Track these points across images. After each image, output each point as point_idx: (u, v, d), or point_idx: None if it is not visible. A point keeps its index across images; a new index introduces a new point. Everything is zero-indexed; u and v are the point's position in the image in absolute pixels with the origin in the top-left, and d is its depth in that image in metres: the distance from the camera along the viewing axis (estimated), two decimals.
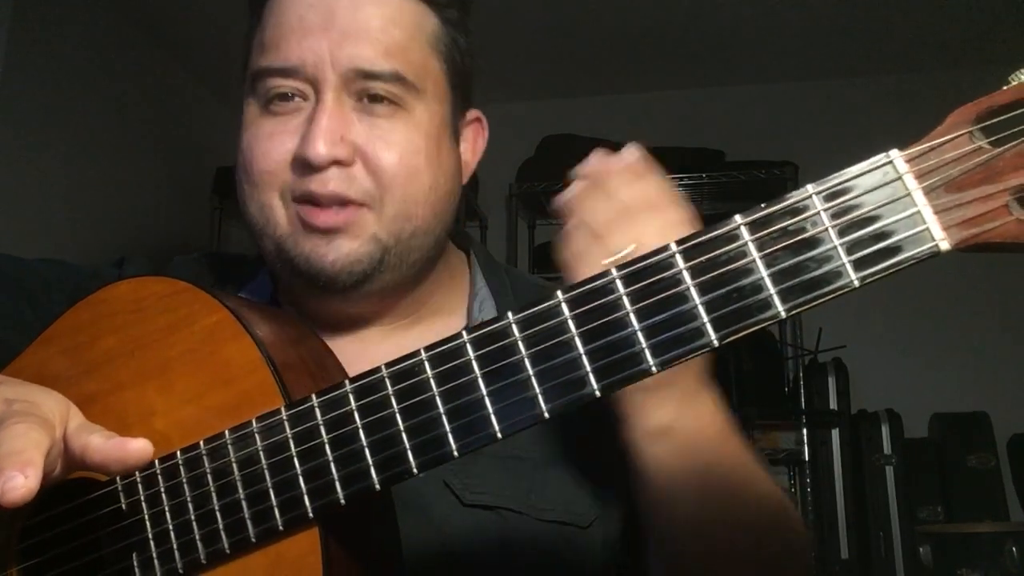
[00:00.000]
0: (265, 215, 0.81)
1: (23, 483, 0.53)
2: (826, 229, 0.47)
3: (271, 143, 0.80)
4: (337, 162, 0.78)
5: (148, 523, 0.63)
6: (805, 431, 2.88)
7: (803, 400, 2.91)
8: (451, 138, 0.87)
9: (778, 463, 3.05)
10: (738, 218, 0.50)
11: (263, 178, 0.80)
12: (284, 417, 0.60)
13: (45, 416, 0.60)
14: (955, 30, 3.04)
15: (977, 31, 3.02)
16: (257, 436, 0.60)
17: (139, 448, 0.61)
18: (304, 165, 0.78)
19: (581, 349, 0.52)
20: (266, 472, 0.60)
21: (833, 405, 2.93)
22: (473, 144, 0.92)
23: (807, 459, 2.88)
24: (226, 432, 0.61)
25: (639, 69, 3.40)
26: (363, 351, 0.85)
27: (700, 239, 0.50)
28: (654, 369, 0.50)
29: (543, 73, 3.40)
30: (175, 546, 0.62)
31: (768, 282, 0.48)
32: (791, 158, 3.12)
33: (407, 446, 0.56)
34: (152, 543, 0.63)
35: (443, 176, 0.84)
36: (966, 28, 3.02)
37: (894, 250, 0.46)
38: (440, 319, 0.90)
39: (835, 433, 2.93)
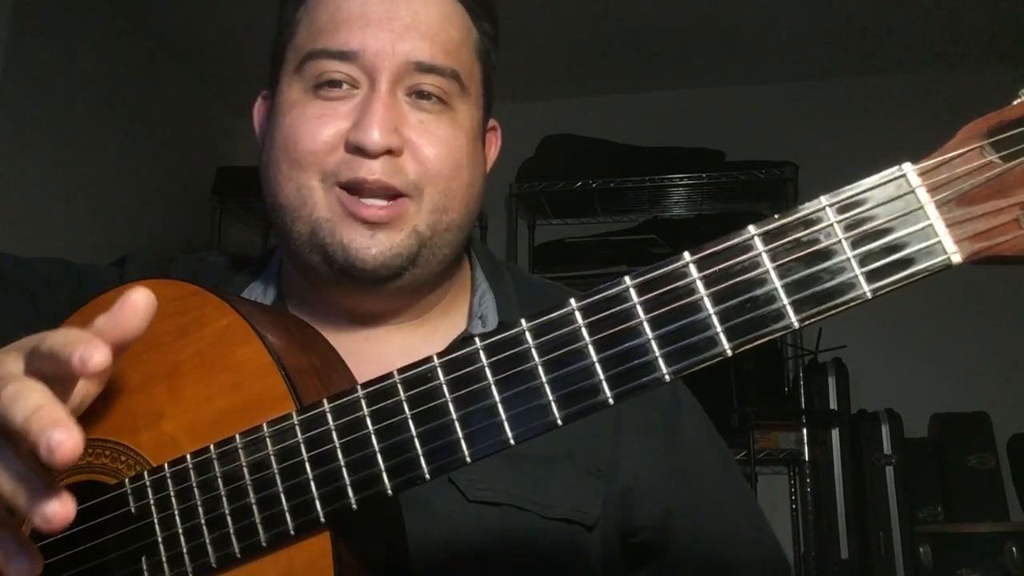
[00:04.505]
0: (302, 196, 0.81)
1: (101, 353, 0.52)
2: (839, 241, 0.48)
3: (319, 123, 0.80)
4: (389, 151, 0.79)
5: (158, 527, 0.63)
6: (805, 431, 2.88)
7: (803, 400, 2.90)
8: (482, 142, 0.90)
9: (778, 463, 3.05)
10: (752, 228, 0.50)
11: (307, 158, 0.80)
12: (296, 422, 0.60)
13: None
14: (954, 31, 3.04)
15: (976, 32, 3.03)
16: (268, 440, 0.60)
17: (143, 295, 0.57)
18: (356, 150, 0.79)
19: (594, 357, 0.52)
20: (277, 477, 0.60)
21: (833, 405, 2.93)
22: (489, 151, 0.95)
23: (807, 459, 2.87)
24: (237, 436, 0.61)
25: (639, 69, 3.40)
26: (370, 350, 0.85)
27: (714, 249, 0.51)
28: (667, 378, 0.51)
29: (543, 73, 3.39)
30: (185, 550, 0.62)
31: (781, 293, 0.49)
32: (791, 158, 3.11)
33: (419, 452, 0.56)
34: (162, 547, 0.63)
35: (477, 177, 0.87)
36: (965, 29, 3.02)
37: (907, 262, 0.47)
38: (446, 318, 0.91)
39: (835, 433, 2.93)
